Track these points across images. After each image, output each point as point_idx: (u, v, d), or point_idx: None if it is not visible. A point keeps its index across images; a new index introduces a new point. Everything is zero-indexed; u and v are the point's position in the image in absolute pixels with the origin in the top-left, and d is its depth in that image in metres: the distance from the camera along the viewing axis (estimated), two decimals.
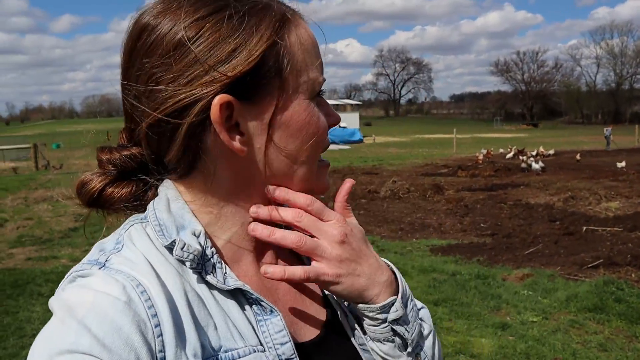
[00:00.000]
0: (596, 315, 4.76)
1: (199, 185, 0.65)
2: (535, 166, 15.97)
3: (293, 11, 0.66)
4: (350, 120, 43.76)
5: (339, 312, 0.75)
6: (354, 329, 0.74)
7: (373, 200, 11.76)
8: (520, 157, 19.23)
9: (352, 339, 0.73)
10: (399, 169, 18.30)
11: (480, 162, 19.01)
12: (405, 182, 13.40)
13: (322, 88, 0.68)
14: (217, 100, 0.58)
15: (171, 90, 0.59)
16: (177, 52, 0.59)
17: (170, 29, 0.59)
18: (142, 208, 0.68)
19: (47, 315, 4.94)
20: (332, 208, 0.72)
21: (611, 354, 4.07)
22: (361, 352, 0.72)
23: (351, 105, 52.85)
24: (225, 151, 0.62)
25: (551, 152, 22.60)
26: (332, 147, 31.09)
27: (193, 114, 0.59)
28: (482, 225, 9.01)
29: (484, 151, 21.04)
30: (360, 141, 36.73)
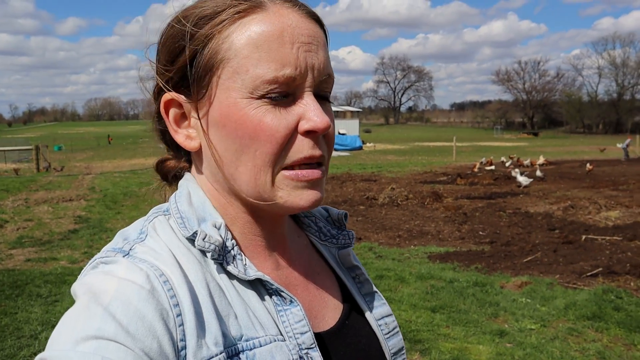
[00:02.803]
0: (595, 324, 4.76)
1: (206, 178, 0.69)
2: (520, 179, 14.64)
3: (262, 2, 0.62)
4: (350, 127, 43.79)
5: (357, 300, 0.77)
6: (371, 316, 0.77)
7: (371, 207, 11.76)
8: (512, 169, 18.27)
9: (372, 326, 0.76)
10: (397, 176, 18.31)
11: (476, 170, 18.99)
12: (404, 189, 13.41)
13: (275, 85, 0.59)
14: (163, 98, 0.65)
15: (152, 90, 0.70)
16: (159, 52, 0.68)
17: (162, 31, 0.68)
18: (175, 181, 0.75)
19: (46, 316, 4.93)
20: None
21: None
22: (382, 339, 0.76)
23: (351, 112, 52.89)
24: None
25: (540, 161, 22.11)
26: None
27: (156, 110, 0.68)
28: (480, 233, 9.02)
29: (484, 160, 21.01)
30: (360, 148, 36.75)
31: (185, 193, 0.68)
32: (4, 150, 25.37)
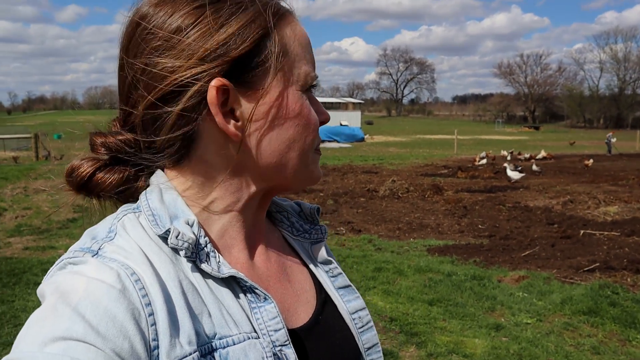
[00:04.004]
0: (590, 319, 4.77)
1: (191, 174, 0.66)
2: (510, 173, 14.31)
3: (289, 8, 0.69)
4: (352, 119, 43.70)
5: (331, 295, 0.77)
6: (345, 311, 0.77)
7: (372, 199, 11.76)
8: (508, 162, 17.88)
9: (345, 320, 0.76)
10: (398, 169, 18.30)
11: (477, 163, 18.96)
12: (405, 181, 13.40)
13: (313, 84, 0.69)
14: (214, 82, 0.60)
15: (167, 74, 0.61)
16: (174, 38, 0.61)
17: (170, 16, 0.62)
18: (131, 197, 0.68)
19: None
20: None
21: (604, 357, 4.09)
22: (355, 334, 0.76)
23: (353, 103, 52.74)
24: (218, 137, 0.63)
25: (541, 155, 22.13)
26: (332, 145, 31.05)
27: (187, 96, 0.61)
28: (479, 226, 9.02)
29: (483, 154, 20.98)
30: (362, 140, 36.72)
31: (157, 190, 0.66)
32: (3, 139, 25.31)
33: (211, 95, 0.60)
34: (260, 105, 0.63)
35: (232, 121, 0.63)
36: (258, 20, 0.62)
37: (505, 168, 15.11)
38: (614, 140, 26.58)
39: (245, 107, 0.63)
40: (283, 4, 0.68)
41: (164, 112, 0.62)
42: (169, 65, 0.61)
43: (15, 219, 9.19)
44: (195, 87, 0.60)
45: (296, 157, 0.67)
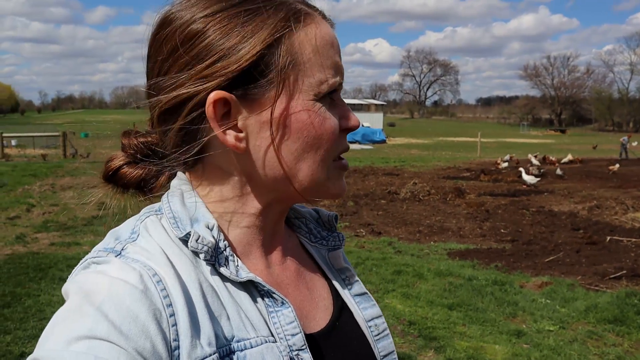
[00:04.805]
0: (616, 327, 4.65)
1: (209, 179, 0.68)
2: (526, 177, 14.07)
3: (312, 9, 0.66)
4: (374, 120, 43.56)
5: (347, 302, 0.77)
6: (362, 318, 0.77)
7: (393, 201, 11.70)
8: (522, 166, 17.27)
9: (361, 328, 0.76)
10: (420, 171, 18.16)
11: (499, 166, 18.65)
12: (426, 184, 13.30)
13: (335, 89, 0.66)
14: (212, 96, 0.60)
15: (174, 83, 0.62)
16: (183, 48, 0.61)
17: (181, 25, 0.62)
18: (150, 193, 0.71)
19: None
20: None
21: None
22: (371, 341, 0.75)
23: (375, 105, 52.59)
24: (225, 148, 0.64)
25: (567, 159, 21.56)
26: (354, 146, 30.94)
27: (188, 108, 0.62)
28: (502, 230, 8.89)
29: (507, 157, 20.63)
30: (383, 141, 36.57)
31: (178, 193, 0.67)
32: (33, 137, 25.98)
33: (208, 108, 0.60)
34: (265, 118, 0.62)
35: (234, 133, 0.62)
36: (263, 31, 0.61)
37: (520, 172, 14.83)
38: (635, 144, 25.60)
39: (249, 119, 0.63)
40: (307, 4, 0.66)
41: (171, 121, 0.64)
42: (176, 76, 0.62)
43: (43, 215, 9.42)
44: (195, 100, 0.61)
45: (307, 169, 0.65)
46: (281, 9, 0.63)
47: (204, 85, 0.61)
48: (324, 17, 0.67)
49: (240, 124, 0.63)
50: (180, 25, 0.62)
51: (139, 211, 0.70)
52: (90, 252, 0.63)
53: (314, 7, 0.67)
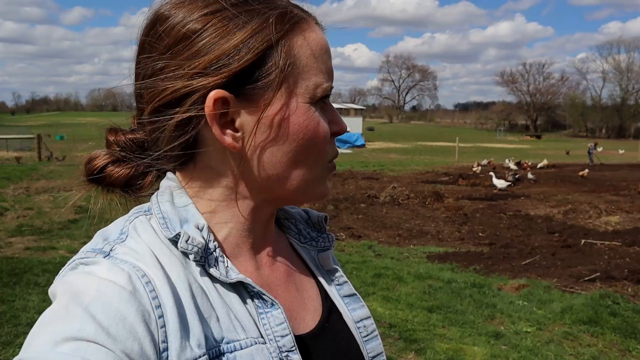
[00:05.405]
0: (590, 328, 4.76)
1: (199, 179, 0.67)
2: (496, 182, 14.31)
3: (307, 15, 0.67)
4: (353, 125, 43.73)
5: (336, 303, 0.77)
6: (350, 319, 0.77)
7: (372, 205, 11.76)
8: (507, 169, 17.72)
9: (350, 329, 0.76)
10: (399, 175, 18.30)
11: (473, 169, 18.93)
12: (405, 188, 13.41)
13: (326, 94, 0.66)
14: (213, 94, 0.60)
15: (171, 80, 0.61)
16: (181, 45, 0.61)
17: (179, 22, 0.62)
18: (136, 192, 0.70)
19: (43, 305, 4.94)
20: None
21: None
22: (360, 342, 0.75)
23: (355, 109, 52.81)
24: (220, 147, 0.63)
25: (542, 164, 22.04)
26: None
27: (187, 105, 0.61)
28: (480, 234, 9.01)
29: (485, 162, 20.92)
30: (363, 146, 36.75)
31: (168, 193, 0.66)
32: (6, 139, 25.40)
33: (208, 106, 0.60)
34: (262, 118, 0.62)
35: (231, 132, 0.62)
36: (264, 31, 0.61)
37: (491, 176, 15.05)
38: (600, 149, 26.12)
39: (247, 119, 0.63)
40: (302, 10, 0.67)
41: (166, 118, 0.63)
42: (173, 73, 0.61)
43: (17, 219, 9.20)
44: (194, 98, 0.61)
45: (299, 171, 0.66)
46: (281, 12, 0.63)
47: (205, 82, 0.60)
48: (316, 22, 0.68)
49: (237, 123, 0.63)
50: (180, 22, 0.62)
51: (123, 213, 0.68)
52: (76, 253, 0.62)
53: (309, 12, 0.68)
